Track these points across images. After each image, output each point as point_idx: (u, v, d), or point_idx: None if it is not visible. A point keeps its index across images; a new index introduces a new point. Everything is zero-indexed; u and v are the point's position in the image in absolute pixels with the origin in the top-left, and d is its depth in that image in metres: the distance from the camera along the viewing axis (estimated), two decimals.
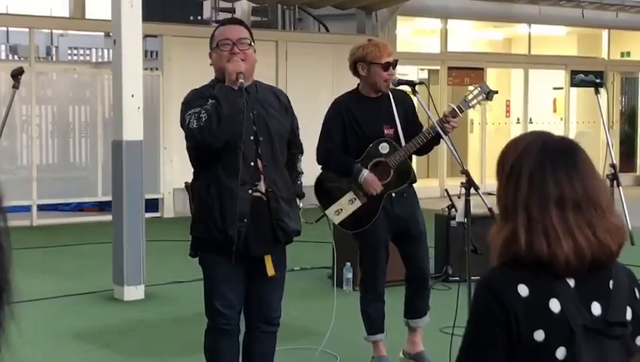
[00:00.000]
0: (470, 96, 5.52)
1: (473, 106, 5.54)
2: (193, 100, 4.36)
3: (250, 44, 4.41)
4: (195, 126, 4.22)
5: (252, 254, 4.38)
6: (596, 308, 2.04)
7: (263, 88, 4.56)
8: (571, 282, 2.04)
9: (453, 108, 5.44)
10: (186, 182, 4.59)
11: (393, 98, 5.57)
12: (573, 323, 2.00)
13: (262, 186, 4.36)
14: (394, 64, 5.50)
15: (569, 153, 2.08)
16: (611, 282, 2.07)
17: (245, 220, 4.31)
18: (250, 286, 4.48)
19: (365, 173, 5.45)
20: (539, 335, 1.99)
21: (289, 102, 4.65)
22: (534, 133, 2.18)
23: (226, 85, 4.29)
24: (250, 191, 4.34)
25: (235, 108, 4.26)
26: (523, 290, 2.00)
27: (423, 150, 5.62)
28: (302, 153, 4.75)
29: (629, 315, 2.06)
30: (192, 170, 4.50)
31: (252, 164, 4.34)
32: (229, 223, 4.30)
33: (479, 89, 5.55)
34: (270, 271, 4.43)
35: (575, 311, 2.01)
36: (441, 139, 5.41)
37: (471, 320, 2.07)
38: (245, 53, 4.36)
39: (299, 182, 4.72)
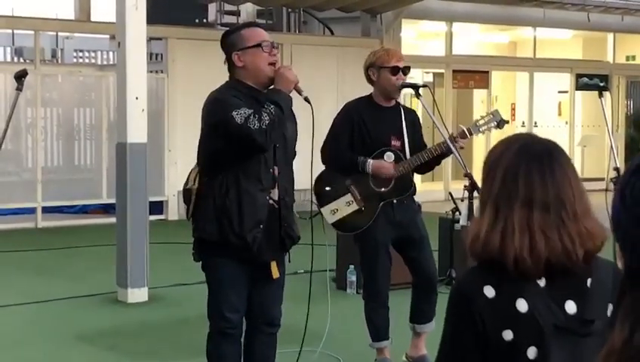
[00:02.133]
0: (481, 122, 5.59)
1: (482, 132, 5.61)
2: (230, 99, 4.23)
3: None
4: (256, 127, 4.12)
5: (264, 259, 4.36)
6: (571, 307, 2.05)
7: None
8: (541, 282, 2.05)
9: (463, 130, 5.49)
10: (185, 188, 4.47)
11: (403, 112, 5.61)
12: (543, 322, 2.01)
13: (275, 193, 4.34)
14: (404, 70, 5.50)
15: (547, 156, 2.08)
16: (589, 280, 2.08)
17: (261, 226, 4.28)
18: (253, 289, 4.47)
19: (371, 161, 5.46)
20: (507, 335, 2.01)
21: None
22: (518, 135, 2.21)
23: (283, 92, 4.26)
24: (267, 198, 4.31)
25: (290, 116, 4.33)
26: (489, 292, 2.03)
27: (425, 167, 5.64)
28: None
29: (610, 311, 2.05)
30: (200, 172, 4.39)
31: (271, 170, 4.32)
32: (246, 228, 4.26)
33: (491, 116, 5.63)
34: (275, 273, 4.43)
35: (545, 311, 2.02)
36: (442, 160, 5.55)
37: (445, 324, 2.12)
38: (278, 58, 4.38)
39: None
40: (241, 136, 4.15)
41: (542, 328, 2.01)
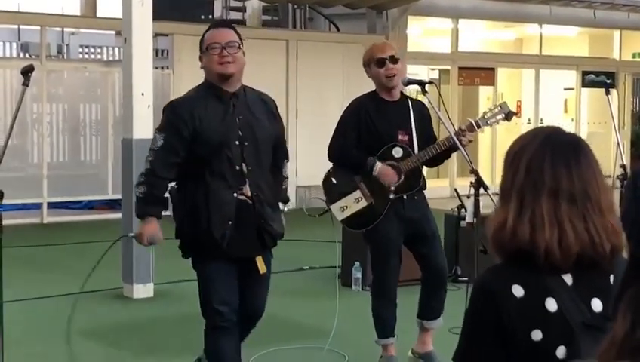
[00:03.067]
0: (489, 114, 5.58)
1: (491, 124, 5.61)
2: (173, 119, 4.46)
3: (239, 47, 4.50)
4: (143, 180, 4.48)
5: (238, 255, 4.47)
6: (597, 305, 2.02)
7: (250, 93, 4.63)
8: (568, 279, 2.01)
9: (471, 123, 5.47)
10: (170, 187, 4.58)
11: (412, 105, 5.58)
12: (572, 321, 1.97)
13: (247, 190, 4.46)
14: (391, 59, 5.47)
15: (573, 148, 2.05)
16: (612, 277, 2.04)
17: (230, 223, 4.40)
18: (240, 284, 4.57)
19: (379, 165, 5.44)
20: (536, 335, 1.97)
21: (276, 108, 4.75)
22: (543, 128, 2.17)
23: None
24: (235, 195, 4.43)
25: (269, 116, 4.65)
26: (518, 291, 1.98)
27: (435, 161, 5.64)
28: (287, 159, 4.86)
29: None
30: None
31: (237, 168, 4.45)
32: (214, 225, 4.39)
33: (499, 108, 5.61)
34: (262, 268, 4.56)
35: (573, 309, 1.98)
36: (452, 153, 5.51)
37: (467, 321, 2.06)
38: (235, 57, 4.47)
39: (284, 187, 4.83)
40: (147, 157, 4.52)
41: (572, 327, 1.97)
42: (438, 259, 5.62)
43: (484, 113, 5.61)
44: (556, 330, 1.97)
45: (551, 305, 1.98)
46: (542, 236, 1.96)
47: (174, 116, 4.46)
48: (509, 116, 5.52)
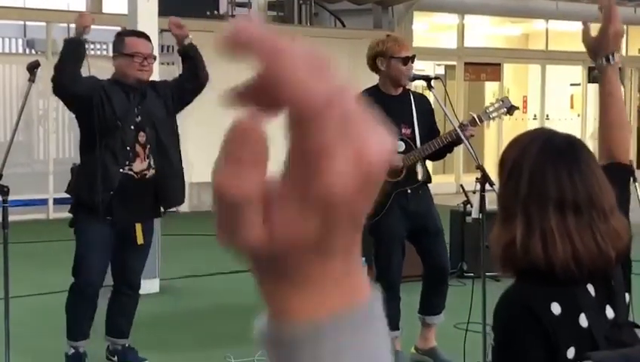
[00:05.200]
0: (491, 108, 5.60)
1: (493, 118, 5.65)
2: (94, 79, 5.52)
3: (154, 58, 5.45)
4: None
5: (117, 221, 5.18)
6: (609, 312, 1.99)
7: (151, 86, 5.43)
8: (592, 290, 1.98)
9: (473, 118, 5.49)
10: (72, 164, 5.57)
11: (414, 99, 5.58)
12: (597, 336, 1.94)
13: (137, 166, 5.19)
14: (412, 58, 5.52)
15: (572, 152, 2.01)
16: (612, 281, 2.01)
17: (111, 193, 5.09)
18: (118, 252, 5.28)
19: None
20: (571, 352, 1.93)
21: (164, 87, 5.52)
22: (537, 131, 2.15)
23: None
24: (121, 171, 5.16)
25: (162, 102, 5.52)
26: (556, 308, 1.94)
27: (437, 155, 5.64)
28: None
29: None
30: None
31: (128, 148, 5.18)
32: (96, 192, 5.08)
33: (501, 102, 5.62)
34: (139, 239, 5.26)
35: (598, 324, 1.95)
36: (454, 148, 5.56)
37: (506, 337, 1.98)
38: (151, 67, 5.40)
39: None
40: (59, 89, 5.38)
41: (597, 342, 1.94)
42: (441, 257, 5.65)
43: (487, 108, 5.64)
44: (585, 346, 1.93)
45: (583, 321, 1.95)
46: (555, 252, 1.92)
47: (95, 80, 5.44)
48: (510, 110, 5.54)
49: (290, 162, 0.58)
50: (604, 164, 2.20)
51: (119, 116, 5.21)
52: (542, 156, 1.99)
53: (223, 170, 0.57)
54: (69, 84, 5.23)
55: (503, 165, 2.05)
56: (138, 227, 5.28)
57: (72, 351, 5.57)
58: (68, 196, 5.53)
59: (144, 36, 5.58)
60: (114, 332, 5.70)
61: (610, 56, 2.36)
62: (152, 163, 5.28)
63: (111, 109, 5.18)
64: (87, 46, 5.48)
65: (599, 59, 2.39)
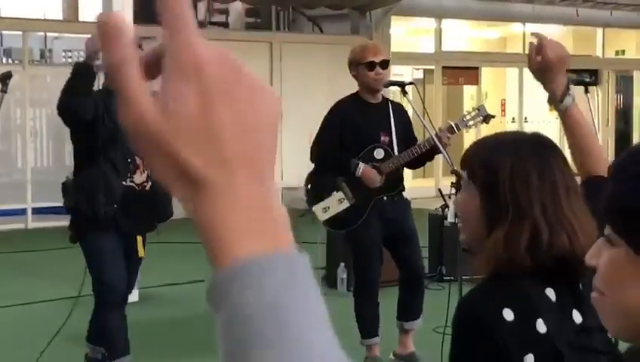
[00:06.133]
0: (468, 117, 5.66)
1: (469, 127, 5.69)
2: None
3: None
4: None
5: (123, 231, 5.07)
6: (577, 316, 1.92)
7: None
8: (551, 294, 1.91)
9: (451, 125, 5.53)
10: (66, 178, 5.33)
11: (392, 108, 5.63)
12: (559, 343, 1.86)
13: (138, 178, 5.11)
14: (382, 64, 5.50)
15: (555, 146, 2.04)
16: (581, 284, 1.95)
17: (115, 206, 4.99)
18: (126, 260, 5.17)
19: (362, 166, 5.48)
20: (529, 359, 1.84)
21: None
22: (508, 134, 2.13)
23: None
24: (123, 183, 5.07)
25: None
26: (508, 315, 1.85)
27: (416, 163, 5.71)
28: None
29: None
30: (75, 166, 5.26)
31: (129, 160, 5.08)
32: (99, 205, 4.98)
33: (477, 111, 5.69)
34: (141, 252, 5.20)
35: (559, 330, 1.87)
36: (434, 156, 5.61)
37: (458, 349, 1.91)
38: None
39: None
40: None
41: (559, 350, 1.85)
42: (416, 260, 5.68)
43: (463, 116, 5.70)
44: (547, 353, 1.85)
45: (541, 326, 1.86)
46: (578, 243, 1.88)
47: (95, 96, 5.11)
48: (487, 119, 5.61)
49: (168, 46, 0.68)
50: (583, 181, 2.22)
51: (120, 128, 5.16)
52: (538, 152, 1.98)
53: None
54: (77, 110, 4.94)
55: (497, 172, 1.98)
56: (139, 240, 5.19)
57: None
58: (47, 206, 5.53)
59: None
60: (95, 340, 5.56)
61: (567, 98, 2.37)
62: (149, 174, 5.15)
63: (111, 122, 5.00)
64: (70, 56, 5.40)
65: (558, 104, 2.41)
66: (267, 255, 0.66)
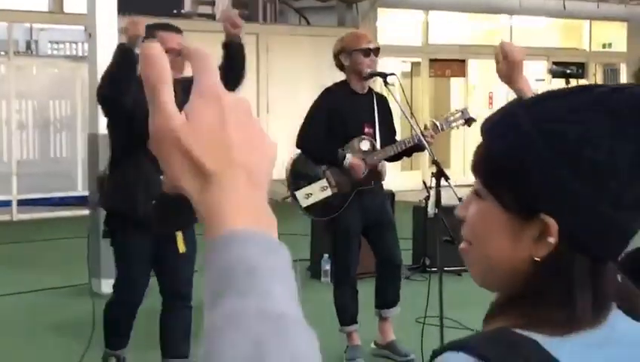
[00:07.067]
0: (452, 118, 5.70)
1: (452, 128, 5.73)
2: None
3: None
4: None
5: (160, 231, 4.86)
6: None
7: (185, 82, 4.90)
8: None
9: (435, 125, 5.58)
10: (102, 172, 5.13)
11: (376, 99, 5.67)
12: None
13: None
14: (375, 51, 5.55)
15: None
16: None
17: (154, 202, 4.79)
18: (162, 262, 4.98)
19: (350, 157, 5.50)
20: None
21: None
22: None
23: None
24: (162, 177, 4.65)
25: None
26: None
27: (395, 157, 5.75)
28: None
29: None
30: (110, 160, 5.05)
31: None
32: (140, 202, 4.80)
33: (461, 113, 5.71)
34: (181, 248, 4.94)
35: None
36: (413, 153, 5.73)
37: None
38: (180, 64, 4.75)
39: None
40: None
41: None
42: (393, 249, 5.72)
43: (447, 116, 5.74)
44: None
45: None
46: None
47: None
48: (469, 122, 5.66)
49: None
50: None
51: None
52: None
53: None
54: (119, 97, 4.67)
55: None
56: (179, 235, 4.97)
57: (114, 359, 5.34)
58: (33, 197, 5.44)
59: (174, 29, 4.97)
60: (173, 352, 5.23)
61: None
62: None
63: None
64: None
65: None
66: (255, 230, 0.80)
